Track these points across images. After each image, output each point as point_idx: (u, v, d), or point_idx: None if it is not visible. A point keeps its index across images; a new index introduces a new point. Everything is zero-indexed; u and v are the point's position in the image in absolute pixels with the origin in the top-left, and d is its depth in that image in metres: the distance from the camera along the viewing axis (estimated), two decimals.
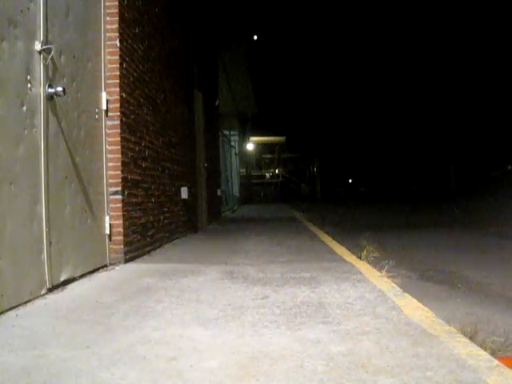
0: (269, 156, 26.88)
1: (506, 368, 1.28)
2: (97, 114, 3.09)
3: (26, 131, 2.18)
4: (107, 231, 3.18)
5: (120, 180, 3.25)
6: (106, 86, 3.22)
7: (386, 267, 3.01)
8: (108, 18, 3.25)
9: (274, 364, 1.35)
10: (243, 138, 18.61)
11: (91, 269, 2.90)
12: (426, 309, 1.93)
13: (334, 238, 4.79)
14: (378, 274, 2.79)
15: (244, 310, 1.98)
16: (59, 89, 2.42)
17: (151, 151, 4.08)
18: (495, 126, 23.04)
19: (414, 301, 2.07)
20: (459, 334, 1.62)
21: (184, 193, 5.27)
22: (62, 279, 2.48)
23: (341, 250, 3.83)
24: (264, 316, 1.87)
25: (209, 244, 4.58)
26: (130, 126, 3.47)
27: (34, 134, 2.25)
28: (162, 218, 4.37)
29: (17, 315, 1.93)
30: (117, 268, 3.14)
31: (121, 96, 3.28)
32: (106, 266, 3.13)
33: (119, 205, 3.25)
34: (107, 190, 3.21)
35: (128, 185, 3.41)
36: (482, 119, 23.84)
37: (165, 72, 4.62)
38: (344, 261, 3.26)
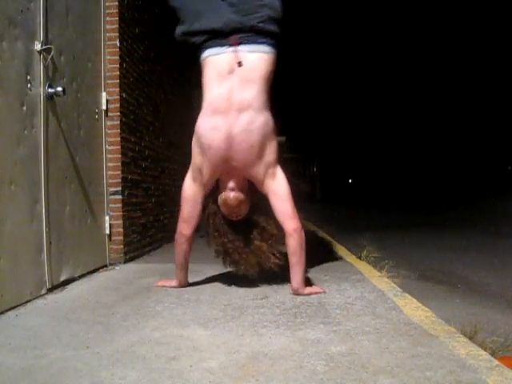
0: None
1: (506, 368, 1.28)
2: (97, 114, 3.09)
3: (25, 131, 2.18)
4: (107, 231, 3.18)
5: (120, 180, 3.25)
6: (106, 85, 3.22)
7: (386, 267, 3.01)
8: (108, 18, 3.25)
9: (274, 364, 1.35)
10: None
11: (91, 269, 2.90)
12: (425, 309, 1.93)
13: (333, 238, 4.79)
14: (378, 274, 2.79)
15: (244, 309, 1.98)
16: (59, 89, 2.42)
17: (151, 151, 4.08)
18: (495, 126, 23.04)
19: (414, 301, 2.07)
20: (459, 334, 1.62)
21: None
22: (61, 279, 2.49)
23: (340, 250, 3.83)
24: (264, 316, 1.87)
25: None
26: (129, 126, 3.47)
27: (33, 134, 2.25)
28: (161, 217, 4.37)
29: (17, 315, 1.93)
30: (117, 268, 3.14)
31: (121, 96, 3.28)
32: (105, 265, 3.13)
33: (119, 205, 3.24)
34: (107, 190, 3.21)
35: (128, 185, 3.41)
36: (481, 119, 23.84)
37: (165, 72, 4.62)
38: (344, 260, 3.26)
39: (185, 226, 2.33)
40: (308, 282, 2.36)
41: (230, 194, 2.23)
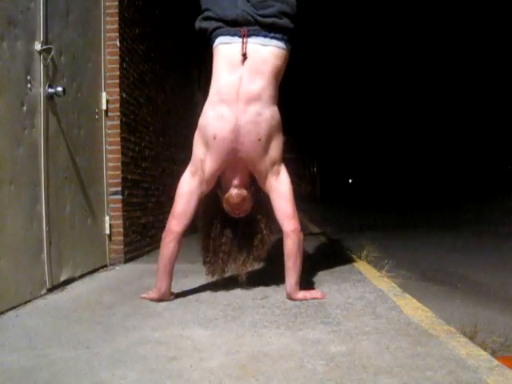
0: None
1: (506, 368, 1.28)
2: (97, 114, 3.09)
3: (25, 131, 2.18)
4: (107, 231, 3.18)
5: (120, 180, 3.25)
6: (106, 86, 3.22)
7: (386, 267, 3.01)
8: (108, 18, 3.25)
9: (274, 364, 1.35)
10: None
11: (91, 269, 2.90)
12: (425, 309, 1.93)
13: (333, 238, 4.79)
14: (378, 274, 2.79)
15: (244, 309, 1.98)
16: (59, 89, 2.42)
17: (151, 151, 4.08)
18: (495, 126, 23.07)
19: (414, 301, 2.07)
20: (459, 334, 1.62)
21: None
22: (62, 279, 2.49)
23: (340, 250, 3.83)
24: (264, 316, 1.87)
25: None
26: (129, 126, 3.47)
27: (33, 134, 2.25)
28: (162, 218, 4.37)
29: (17, 315, 1.93)
30: (117, 268, 3.14)
31: (121, 96, 3.28)
32: (106, 266, 3.13)
33: (119, 205, 3.24)
34: (107, 190, 3.21)
35: (128, 185, 3.41)
36: (481, 119, 23.86)
37: (165, 72, 4.61)
38: (344, 260, 3.25)
39: (175, 222, 2.23)
40: (307, 286, 2.35)
41: (233, 191, 2.16)
